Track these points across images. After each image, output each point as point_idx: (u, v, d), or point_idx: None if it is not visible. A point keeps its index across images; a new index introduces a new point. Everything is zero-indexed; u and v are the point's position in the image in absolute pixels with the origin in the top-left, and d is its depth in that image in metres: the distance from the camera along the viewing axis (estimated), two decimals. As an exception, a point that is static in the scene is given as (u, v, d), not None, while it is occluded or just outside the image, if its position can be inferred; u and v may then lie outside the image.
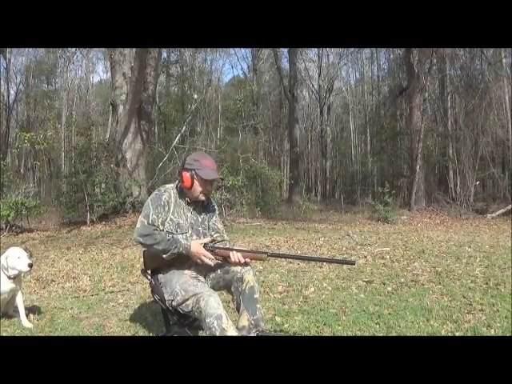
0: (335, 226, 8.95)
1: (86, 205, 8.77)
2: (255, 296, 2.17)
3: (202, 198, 2.30)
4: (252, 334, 2.10)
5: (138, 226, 2.17)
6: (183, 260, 2.21)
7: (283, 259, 4.69)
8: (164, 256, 2.15)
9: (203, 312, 1.95)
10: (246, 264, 2.18)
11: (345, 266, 4.42)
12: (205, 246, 2.22)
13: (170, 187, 2.32)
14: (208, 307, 1.95)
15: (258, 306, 2.18)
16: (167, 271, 2.24)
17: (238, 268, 2.20)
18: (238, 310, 2.20)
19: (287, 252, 5.37)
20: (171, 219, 2.23)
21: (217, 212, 2.46)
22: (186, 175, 2.22)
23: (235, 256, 2.16)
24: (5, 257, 2.70)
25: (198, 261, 2.18)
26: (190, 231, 2.28)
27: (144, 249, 2.29)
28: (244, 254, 2.20)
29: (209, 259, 2.17)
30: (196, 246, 2.17)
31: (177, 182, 2.34)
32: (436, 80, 15.83)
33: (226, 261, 2.23)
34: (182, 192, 2.30)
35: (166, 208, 2.23)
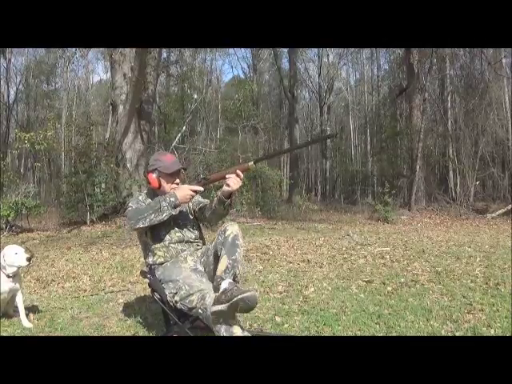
0: (335, 226, 8.94)
1: (86, 205, 8.76)
2: (237, 242, 2.13)
3: None
4: (228, 279, 2.02)
5: (127, 219, 2.27)
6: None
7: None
8: (158, 217, 2.16)
9: (208, 309, 1.93)
10: (238, 176, 2.18)
11: (345, 266, 4.42)
12: (198, 178, 2.32)
13: (143, 193, 2.45)
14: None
15: (239, 250, 2.12)
16: (164, 267, 2.26)
17: (222, 227, 2.20)
18: (219, 257, 2.16)
19: (287, 252, 5.37)
20: None
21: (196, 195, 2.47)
22: (152, 176, 2.30)
23: (230, 172, 2.19)
24: (2, 255, 2.70)
25: (192, 195, 2.22)
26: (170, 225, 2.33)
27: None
28: (233, 169, 2.22)
29: (198, 187, 2.24)
30: (181, 190, 2.21)
31: (146, 191, 2.44)
32: (436, 80, 15.85)
33: (220, 186, 2.29)
34: (155, 195, 2.35)
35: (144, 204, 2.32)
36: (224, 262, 2.07)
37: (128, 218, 2.25)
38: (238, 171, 2.18)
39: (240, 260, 2.12)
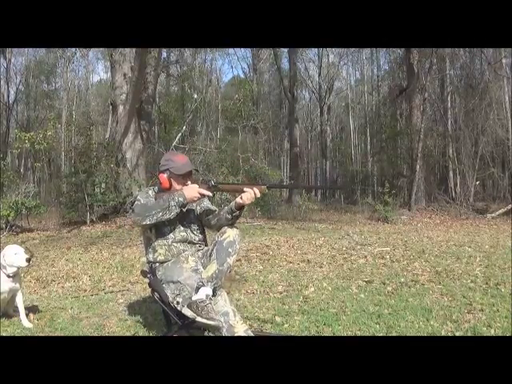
0: (335, 226, 8.94)
1: (86, 205, 8.76)
2: (230, 249, 2.13)
3: None
4: (209, 288, 2.03)
5: (134, 214, 2.25)
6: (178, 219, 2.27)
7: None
8: (166, 215, 2.16)
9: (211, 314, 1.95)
10: (255, 193, 2.17)
11: (345, 266, 4.42)
12: (208, 184, 2.28)
13: (152, 188, 2.43)
14: (215, 305, 1.96)
15: (230, 259, 2.13)
16: (165, 268, 2.25)
17: (223, 229, 2.21)
18: (211, 259, 2.18)
19: (287, 252, 5.38)
20: None
21: (204, 198, 2.44)
22: (163, 177, 2.29)
23: (247, 186, 2.20)
24: (2, 255, 2.69)
25: (199, 197, 2.22)
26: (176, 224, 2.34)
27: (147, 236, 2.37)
28: (250, 185, 2.22)
29: (206, 191, 2.23)
30: (190, 190, 2.20)
31: (156, 187, 2.42)
32: (436, 80, 15.81)
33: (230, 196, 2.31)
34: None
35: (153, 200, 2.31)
36: (212, 268, 2.09)
37: (135, 214, 2.22)
38: (256, 189, 2.18)
39: (225, 271, 2.13)
